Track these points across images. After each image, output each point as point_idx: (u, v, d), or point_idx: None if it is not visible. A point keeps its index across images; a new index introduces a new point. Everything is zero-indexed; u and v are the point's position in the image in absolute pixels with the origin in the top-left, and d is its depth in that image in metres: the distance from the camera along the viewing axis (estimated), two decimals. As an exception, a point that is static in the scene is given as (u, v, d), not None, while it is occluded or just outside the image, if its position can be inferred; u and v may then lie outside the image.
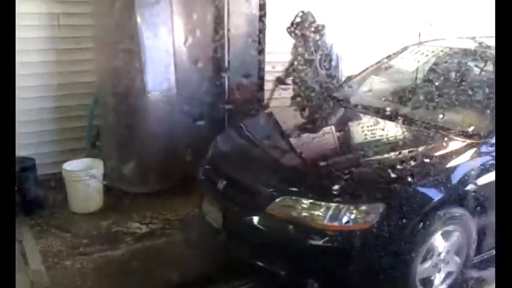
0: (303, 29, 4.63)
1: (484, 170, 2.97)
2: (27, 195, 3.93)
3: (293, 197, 2.78)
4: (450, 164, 2.94)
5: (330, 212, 2.67)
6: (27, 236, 3.60)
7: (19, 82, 4.17)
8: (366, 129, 3.56)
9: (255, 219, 2.86)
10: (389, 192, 2.74)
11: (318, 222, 2.68)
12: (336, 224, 2.66)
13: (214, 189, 3.13)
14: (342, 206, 2.67)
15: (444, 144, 3.09)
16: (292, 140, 3.61)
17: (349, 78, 4.36)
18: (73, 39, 4.34)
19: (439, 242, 2.90)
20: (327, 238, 2.67)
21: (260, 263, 2.90)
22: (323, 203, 2.70)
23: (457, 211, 2.92)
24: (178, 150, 4.15)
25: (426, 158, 2.96)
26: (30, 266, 3.24)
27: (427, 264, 2.90)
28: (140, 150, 4.18)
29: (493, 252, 3.20)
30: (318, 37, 4.65)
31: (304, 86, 4.70)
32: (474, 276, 3.21)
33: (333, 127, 3.78)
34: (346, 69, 4.90)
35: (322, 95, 4.47)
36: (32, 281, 3.07)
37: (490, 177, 2.94)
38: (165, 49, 4.09)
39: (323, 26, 4.72)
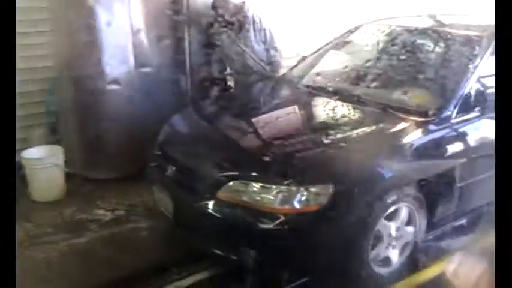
0: (224, 13, 4.47)
1: (431, 148, 3.03)
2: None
3: (243, 181, 2.75)
4: (399, 143, 2.96)
5: (280, 195, 2.66)
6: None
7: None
8: (317, 110, 3.55)
9: (206, 205, 2.80)
10: (339, 173, 2.75)
11: (269, 206, 2.67)
12: (286, 206, 2.65)
13: (164, 175, 3.08)
14: (292, 188, 2.66)
15: (393, 123, 3.08)
16: (241, 123, 3.54)
17: (303, 58, 4.29)
18: (28, 22, 4.18)
19: (387, 222, 2.94)
20: (278, 221, 2.64)
21: (214, 250, 2.88)
22: (273, 186, 2.67)
23: (406, 190, 2.96)
24: (141, 134, 4.08)
25: (375, 137, 2.99)
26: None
27: (380, 247, 2.95)
28: (101, 136, 4.10)
29: (447, 226, 3.34)
30: (241, 16, 4.52)
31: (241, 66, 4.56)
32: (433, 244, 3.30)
33: (283, 109, 3.70)
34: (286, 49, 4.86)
35: (265, 73, 4.42)
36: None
37: (436, 154, 3.05)
38: (123, 30, 3.99)
39: (242, 3, 4.55)
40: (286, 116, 3.53)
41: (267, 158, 2.85)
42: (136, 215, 3.71)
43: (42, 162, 3.90)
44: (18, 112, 4.29)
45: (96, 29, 3.86)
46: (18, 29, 4.11)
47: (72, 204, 3.83)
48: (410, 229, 3.08)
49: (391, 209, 2.92)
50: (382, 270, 3.02)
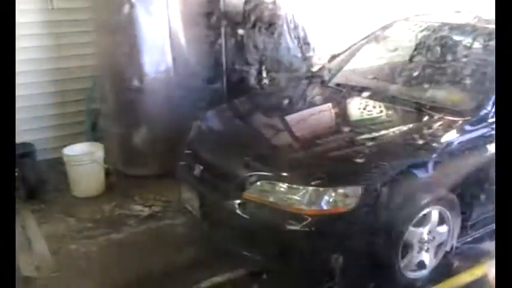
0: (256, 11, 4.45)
1: (466, 149, 2.92)
2: (28, 181, 3.93)
3: (270, 181, 2.70)
4: (433, 143, 2.85)
5: (308, 196, 2.59)
6: (30, 221, 3.62)
7: (18, 67, 4.19)
8: (348, 109, 3.47)
9: (232, 204, 2.75)
10: (369, 174, 2.64)
11: (296, 207, 2.60)
12: (313, 208, 2.58)
13: (192, 175, 3.05)
14: (319, 189, 2.59)
15: (427, 122, 2.98)
16: (271, 121, 3.47)
17: (333, 57, 4.20)
18: (69, 22, 4.30)
19: (415, 229, 2.83)
20: (305, 223, 2.57)
21: (240, 250, 2.83)
22: (301, 187, 2.61)
23: (439, 192, 2.86)
24: (178, 132, 4.12)
25: (408, 137, 2.89)
26: (35, 251, 3.25)
27: (411, 254, 2.85)
28: (140, 133, 4.17)
29: (484, 229, 3.21)
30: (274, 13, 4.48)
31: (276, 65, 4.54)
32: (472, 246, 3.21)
33: (314, 108, 3.60)
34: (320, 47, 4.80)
35: (298, 72, 4.34)
36: (37, 266, 3.09)
37: (471, 155, 2.94)
38: (161, 30, 4.04)
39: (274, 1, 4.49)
40: (317, 115, 3.46)
41: (295, 158, 2.81)
42: (172, 212, 3.76)
43: (82, 159, 3.99)
44: (60, 110, 4.48)
45: (135, 29, 3.93)
46: (61, 29, 4.30)
47: (111, 200, 3.91)
48: (443, 229, 2.96)
49: (423, 213, 2.81)
50: (416, 275, 2.93)
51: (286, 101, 3.86)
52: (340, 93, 3.64)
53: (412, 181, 2.75)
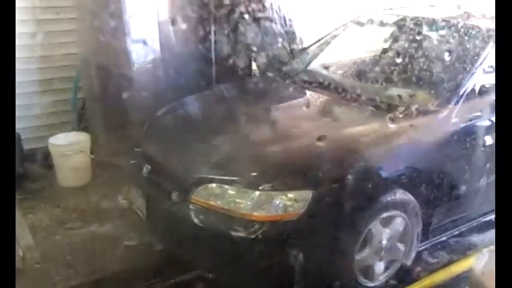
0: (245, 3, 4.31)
1: (427, 152, 2.86)
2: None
3: (219, 184, 2.57)
4: (391, 146, 2.79)
5: (256, 200, 2.47)
6: (16, 212, 3.59)
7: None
8: (308, 109, 3.31)
9: (178, 208, 2.64)
10: (320, 178, 2.55)
11: (243, 212, 2.48)
12: (262, 213, 2.46)
13: (140, 175, 2.92)
14: (268, 193, 2.47)
15: (387, 123, 2.84)
16: (226, 120, 3.29)
17: (302, 50, 4.11)
18: (53, 9, 4.23)
19: (378, 229, 2.77)
20: (252, 229, 2.45)
21: (188, 255, 2.76)
22: (249, 190, 2.49)
23: (400, 196, 2.76)
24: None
25: (365, 138, 2.77)
26: (20, 242, 3.23)
27: (366, 251, 2.78)
28: (127, 123, 4.13)
29: (441, 237, 3.22)
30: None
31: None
32: (420, 262, 3.17)
33: (275, 106, 3.43)
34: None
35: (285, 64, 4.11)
36: (22, 257, 3.07)
37: (434, 159, 2.85)
38: (149, 18, 3.99)
39: None
40: (276, 114, 3.29)
41: (245, 159, 2.69)
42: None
43: (68, 148, 3.97)
44: (46, 99, 4.42)
45: (122, 16, 3.88)
46: (44, 15, 4.23)
47: (98, 190, 3.89)
48: (401, 247, 2.91)
49: (385, 214, 2.75)
50: (366, 282, 2.87)
51: (249, 98, 3.77)
52: (304, 91, 3.51)
53: (369, 183, 2.65)
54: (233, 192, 2.53)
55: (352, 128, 2.89)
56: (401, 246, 2.92)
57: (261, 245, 2.48)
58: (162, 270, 3.00)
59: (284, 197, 2.47)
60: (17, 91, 4.19)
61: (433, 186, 2.87)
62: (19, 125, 4.15)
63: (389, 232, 2.82)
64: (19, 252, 3.11)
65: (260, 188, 2.48)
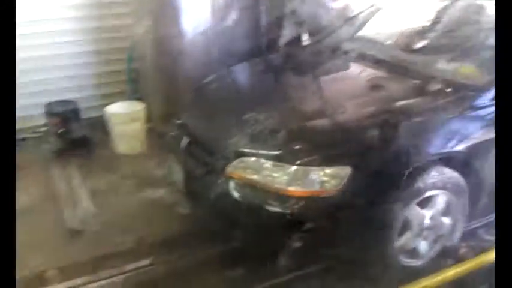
0: None
1: (476, 127, 2.67)
2: (73, 138, 4.07)
3: (255, 158, 2.53)
4: (436, 120, 2.63)
5: (292, 175, 2.41)
6: (76, 177, 3.76)
7: (57, 26, 4.26)
8: (351, 80, 3.20)
9: (213, 181, 2.61)
10: (360, 154, 2.46)
11: (279, 186, 2.42)
12: (297, 188, 2.40)
13: (179, 147, 2.92)
14: (305, 168, 2.41)
15: (434, 96, 2.72)
16: (263, 92, 3.21)
17: (349, 19, 3.95)
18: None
19: (417, 211, 2.66)
20: (287, 204, 2.41)
21: (221, 229, 2.75)
22: (285, 165, 2.44)
23: (445, 173, 2.64)
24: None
25: (408, 113, 2.64)
26: (80, 205, 3.39)
27: (407, 235, 2.69)
28: (180, 93, 4.19)
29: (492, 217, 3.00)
30: None
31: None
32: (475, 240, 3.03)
33: (319, 78, 3.30)
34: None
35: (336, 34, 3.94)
36: (82, 219, 3.23)
37: (483, 134, 2.65)
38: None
39: None
40: (318, 86, 3.17)
41: (284, 133, 2.59)
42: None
43: (124, 117, 4.09)
44: (102, 69, 4.55)
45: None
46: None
47: (151, 158, 3.99)
48: (446, 221, 2.79)
49: (427, 194, 2.63)
50: (410, 262, 2.80)
51: (293, 69, 3.62)
52: (350, 62, 3.38)
53: (412, 160, 2.51)
54: (269, 166, 2.48)
55: (397, 102, 2.75)
56: (446, 220, 2.79)
57: (296, 220, 2.42)
58: (202, 240, 3.03)
59: (321, 173, 2.40)
60: (74, 61, 4.40)
61: (482, 164, 2.70)
62: (77, 95, 4.33)
63: (432, 211, 2.71)
64: (80, 215, 3.27)
65: (297, 162, 2.43)
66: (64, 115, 4.03)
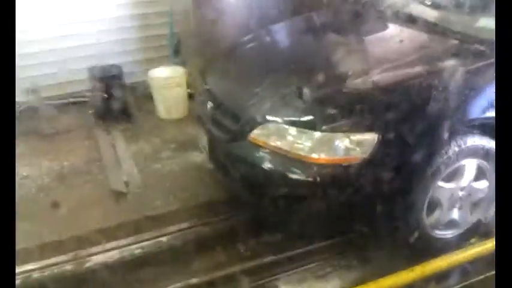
0: None
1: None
2: (117, 103, 4.12)
3: (278, 124, 2.44)
4: (471, 86, 2.43)
5: (315, 142, 2.31)
6: (119, 141, 3.83)
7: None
8: (379, 42, 3.02)
9: (237, 146, 2.55)
10: (389, 120, 2.31)
11: (302, 154, 2.32)
12: (321, 155, 2.29)
13: (205, 112, 2.86)
14: (329, 135, 2.30)
15: (468, 59, 2.52)
16: (301, 53, 3.05)
17: None
18: None
19: (445, 184, 2.50)
20: (310, 172, 2.31)
21: (245, 196, 2.70)
22: (309, 131, 2.33)
23: (479, 142, 2.47)
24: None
25: (440, 77, 2.42)
26: (124, 168, 3.45)
27: (439, 212, 2.55)
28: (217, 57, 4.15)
29: None
30: None
31: None
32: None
33: (346, 40, 3.12)
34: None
35: None
36: (126, 182, 3.29)
37: None
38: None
39: None
40: (349, 49, 2.96)
41: (305, 99, 2.46)
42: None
43: (166, 82, 4.10)
44: (143, 33, 4.55)
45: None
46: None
47: (192, 122, 4.00)
48: (482, 185, 2.60)
49: (454, 166, 2.46)
50: (447, 233, 2.64)
51: (325, 30, 3.44)
52: (387, 23, 3.19)
53: (441, 130, 2.35)
54: (294, 133, 2.38)
55: (433, 65, 2.54)
56: (480, 184, 2.60)
57: (319, 188, 2.33)
58: (232, 207, 3.03)
59: (347, 140, 2.29)
60: (115, 25, 4.41)
61: None
62: (120, 60, 4.36)
63: (461, 181, 2.54)
64: (123, 178, 3.34)
65: (322, 128, 2.32)
66: (108, 80, 4.08)
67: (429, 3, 3.24)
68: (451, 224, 2.65)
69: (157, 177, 3.37)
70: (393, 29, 3.12)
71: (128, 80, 4.31)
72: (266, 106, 2.55)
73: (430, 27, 2.94)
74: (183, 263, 2.73)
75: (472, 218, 2.70)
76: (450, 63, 2.55)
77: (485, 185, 2.62)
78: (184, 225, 2.97)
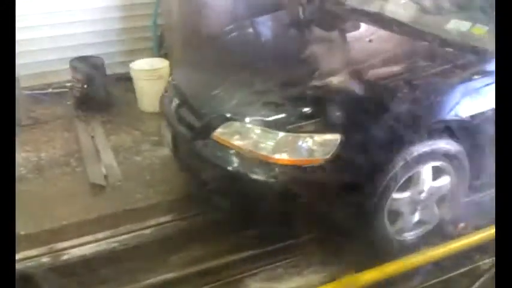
0: None
1: (483, 94, 2.43)
2: (97, 94, 4.08)
3: (241, 122, 2.40)
4: (438, 86, 2.42)
5: (278, 142, 2.27)
6: (99, 133, 3.78)
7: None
8: (352, 42, 3.01)
9: (200, 145, 2.51)
10: (352, 120, 2.29)
11: (264, 154, 2.28)
12: (283, 156, 2.26)
13: (169, 108, 2.82)
14: (292, 134, 2.27)
15: (438, 59, 2.53)
16: (258, 53, 3.02)
17: None
18: None
19: (424, 174, 2.48)
20: (271, 173, 2.27)
21: (207, 195, 2.66)
22: (273, 131, 2.29)
23: (447, 146, 2.44)
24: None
25: (407, 77, 2.42)
26: (103, 161, 3.41)
27: (402, 220, 2.55)
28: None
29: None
30: None
31: None
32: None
33: (315, 38, 3.11)
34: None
35: None
36: (105, 175, 3.25)
37: (489, 103, 2.39)
38: None
39: None
40: (317, 48, 2.91)
41: (269, 98, 2.45)
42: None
43: (149, 74, 4.05)
44: (127, 24, 4.49)
45: None
46: None
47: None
48: (443, 181, 2.56)
49: (409, 174, 2.42)
50: (415, 233, 2.64)
51: (295, 28, 3.40)
52: (358, 22, 3.16)
53: (412, 128, 2.33)
54: (259, 132, 2.34)
55: (402, 65, 2.55)
56: (441, 181, 2.57)
57: (280, 190, 2.30)
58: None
59: (310, 140, 2.25)
60: (99, 16, 4.35)
61: (485, 138, 2.47)
62: (102, 51, 4.30)
63: (420, 186, 2.52)
64: (103, 170, 3.30)
65: (286, 128, 2.28)
66: (89, 70, 4.02)
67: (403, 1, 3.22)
68: (419, 223, 2.65)
69: (137, 170, 3.34)
70: (364, 29, 3.09)
71: (109, 72, 4.25)
72: (230, 104, 2.51)
73: (401, 28, 2.92)
74: (161, 257, 2.70)
75: (441, 213, 2.68)
76: (418, 64, 2.54)
77: (447, 181, 2.58)
78: (163, 219, 2.95)
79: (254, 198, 2.37)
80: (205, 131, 2.51)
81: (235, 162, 2.38)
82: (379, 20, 3.07)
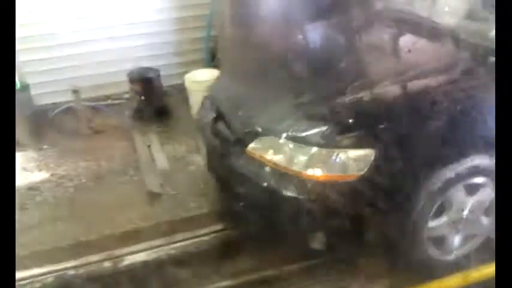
0: None
1: None
2: (154, 104, 4.20)
3: (275, 137, 2.34)
4: (482, 98, 2.26)
5: (311, 157, 2.21)
6: (155, 142, 3.89)
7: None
8: (384, 50, 2.86)
9: (234, 159, 2.47)
10: (387, 135, 2.18)
11: (295, 169, 2.22)
12: (316, 172, 2.20)
13: (205, 121, 2.80)
14: (325, 150, 2.20)
15: (485, 70, 2.33)
16: (299, 65, 2.90)
17: None
18: None
19: (457, 197, 2.37)
20: (303, 189, 2.21)
21: (238, 209, 2.57)
22: (306, 146, 2.23)
23: (483, 162, 2.31)
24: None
25: (448, 88, 2.29)
26: (159, 169, 3.50)
27: (439, 221, 2.42)
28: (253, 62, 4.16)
29: None
30: None
31: None
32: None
33: (353, 50, 2.99)
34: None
35: None
36: (161, 184, 3.34)
37: None
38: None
39: None
40: (352, 60, 2.83)
41: (303, 113, 2.38)
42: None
43: (202, 84, 4.12)
44: (181, 37, 4.60)
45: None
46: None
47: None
48: (485, 220, 2.49)
49: (468, 181, 2.33)
50: (438, 255, 2.51)
51: (329, 39, 3.30)
52: (396, 30, 2.99)
53: (452, 143, 2.22)
54: (291, 147, 2.29)
55: (439, 79, 2.38)
56: (485, 220, 2.49)
57: (313, 207, 2.23)
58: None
59: (344, 155, 2.18)
60: (154, 29, 4.48)
61: None
62: (158, 63, 4.43)
63: (473, 202, 2.42)
64: (159, 179, 3.38)
65: (319, 144, 2.22)
66: (145, 82, 4.15)
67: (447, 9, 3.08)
68: (468, 238, 2.54)
69: (191, 178, 3.40)
70: (402, 38, 2.96)
71: (165, 83, 4.37)
72: (264, 118, 2.47)
73: (442, 38, 2.76)
74: (215, 265, 2.74)
75: (491, 223, 2.53)
76: (461, 76, 2.41)
77: (487, 192, 2.44)
78: (215, 227, 2.97)
79: (286, 214, 2.31)
80: (239, 145, 2.49)
81: (269, 177, 2.33)
82: (417, 27, 2.92)
